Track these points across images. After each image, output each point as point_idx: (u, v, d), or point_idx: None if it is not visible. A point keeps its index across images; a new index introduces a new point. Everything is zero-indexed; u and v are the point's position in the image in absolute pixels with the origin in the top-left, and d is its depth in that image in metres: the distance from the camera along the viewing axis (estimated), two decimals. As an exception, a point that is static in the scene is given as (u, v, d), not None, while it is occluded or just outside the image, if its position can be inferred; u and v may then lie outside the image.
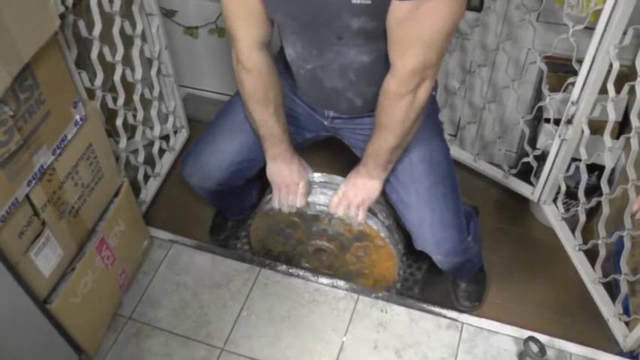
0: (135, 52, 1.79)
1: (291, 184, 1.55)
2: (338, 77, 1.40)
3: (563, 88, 1.71)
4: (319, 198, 1.57)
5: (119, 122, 1.76)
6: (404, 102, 1.30)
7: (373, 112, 1.39)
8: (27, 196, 1.26)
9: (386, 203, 1.63)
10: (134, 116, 1.85)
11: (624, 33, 1.47)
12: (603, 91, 1.58)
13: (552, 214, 1.92)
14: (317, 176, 1.60)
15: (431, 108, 1.49)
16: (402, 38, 1.23)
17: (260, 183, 1.87)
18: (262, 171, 1.60)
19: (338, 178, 1.58)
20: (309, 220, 1.62)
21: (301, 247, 1.76)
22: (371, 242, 1.62)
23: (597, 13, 1.48)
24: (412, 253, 1.94)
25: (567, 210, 1.88)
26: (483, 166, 2.07)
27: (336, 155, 1.84)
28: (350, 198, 1.50)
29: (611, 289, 1.72)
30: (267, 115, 1.46)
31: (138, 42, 1.79)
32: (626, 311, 1.64)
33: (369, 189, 1.50)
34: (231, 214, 2.01)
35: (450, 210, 1.49)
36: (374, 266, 1.72)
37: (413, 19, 1.17)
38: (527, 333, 1.58)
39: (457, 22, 1.21)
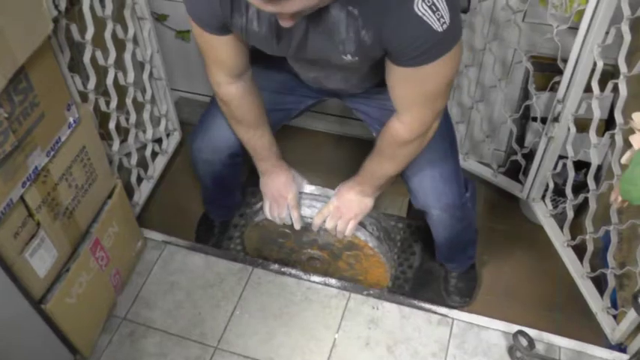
0: (127, 56, 1.80)
1: (279, 197, 1.58)
2: (340, 81, 1.41)
3: (549, 87, 1.74)
4: (305, 211, 1.59)
5: (112, 125, 1.78)
6: (413, 145, 1.33)
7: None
8: (22, 198, 1.27)
9: (376, 216, 1.65)
10: (127, 119, 1.87)
11: (607, 32, 1.50)
12: (588, 89, 1.61)
13: (541, 211, 1.95)
14: (310, 189, 1.61)
15: None
16: (404, 96, 1.25)
17: (241, 185, 1.90)
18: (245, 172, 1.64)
19: (331, 192, 1.59)
20: (298, 230, 1.64)
21: (295, 255, 1.78)
22: (360, 251, 1.64)
23: (581, 13, 1.51)
24: (404, 251, 1.96)
25: (555, 207, 1.91)
26: (473, 165, 2.09)
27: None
28: (342, 212, 1.53)
29: (599, 283, 1.75)
30: (249, 135, 1.50)
31: (130, 46, 1.80)
32: (614, 305, 1.67)
33: (362, 206, 1.52)
34: (217, 214, 2.00)
35: (450, 165, 1.50)
36: (367, 273, 1.74)
37: (413, 81, 1.19)
38: (516, 328, 1.60)
39: (457, 70, 1.23)
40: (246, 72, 1.39)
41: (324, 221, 1.56)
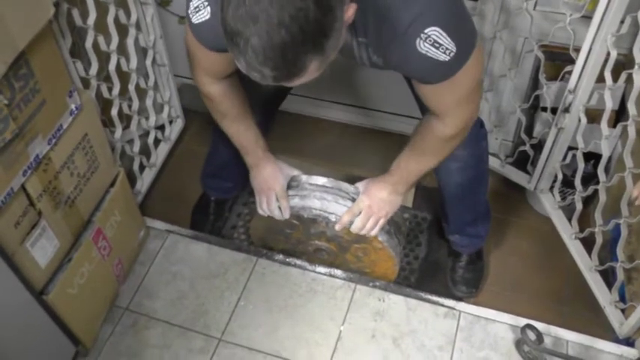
0: (130, 42, 1.77)
1: (267, 190, 1.57)
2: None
3: (560, 77, 1.71)
4: (314, 203, 1.55)
5: (114, 112, 1.75)
6: (458, 138, 1.32)
7: None
8: (22, 186, 1.25)
9: None
10: (129, 106, 1.84)
11: (622, 21, 1.47)
12: (600, 79, 1.58)
13: (549, 203, 1.92)
14: (322, 181, 1.58)
15: None
16: (436, 104, 1.24)
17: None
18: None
19: (344, 185, 1.56)
20: (306, 222, 1.61)
21: (301, 246, 1.75)
22: (369, 245, 1.62)
23: (595, 2, 1.47)
24: (410, 242, 1.94)
25: (564, 198, 1.89)
26: (480, 155, 2.06)
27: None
28: (374, 211, 1.51)
29: (608, 276, 1.73)
30: (234, 129, 1.51)
31: (132, 31, 1.77)
32: (622, 299, 1.65)
33: (393, 205, 1.51)
34: (217, 189, 1.95)
35: None
36: (374, 266, 1.72)
37: (440, 93, 1.18)
38: (524, 321, 1.58)
39: (483, 68, 1.22)
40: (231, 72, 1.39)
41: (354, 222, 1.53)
